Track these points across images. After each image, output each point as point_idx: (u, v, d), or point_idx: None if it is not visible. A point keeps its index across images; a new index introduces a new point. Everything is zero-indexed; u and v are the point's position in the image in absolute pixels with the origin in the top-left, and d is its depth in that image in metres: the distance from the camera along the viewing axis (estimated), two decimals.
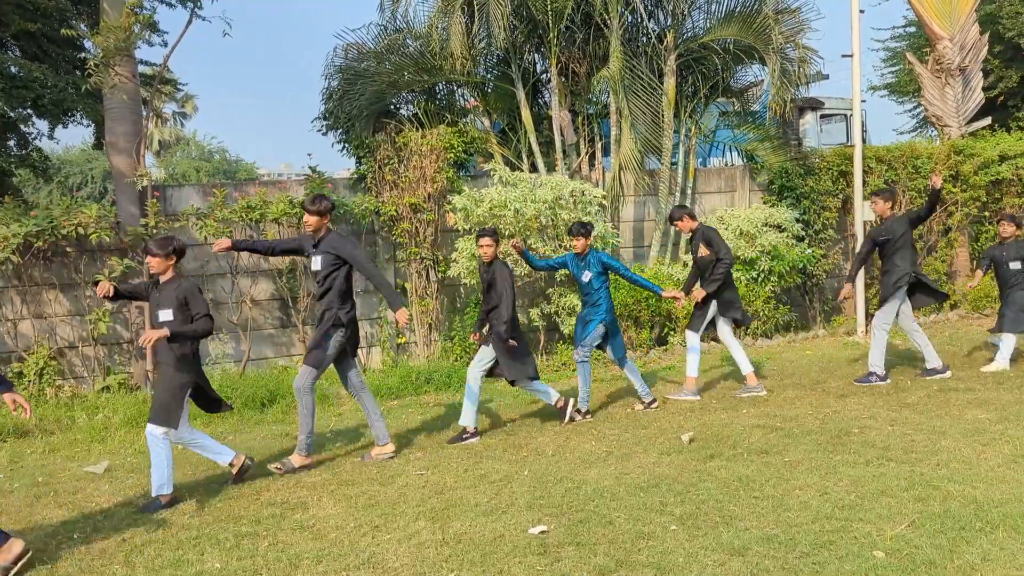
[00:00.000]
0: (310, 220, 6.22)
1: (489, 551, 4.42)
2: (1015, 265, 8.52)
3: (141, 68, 12.26)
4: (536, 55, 11.31)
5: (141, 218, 8.70)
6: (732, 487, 5.27)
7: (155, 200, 8.71)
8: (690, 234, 8.12)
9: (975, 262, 12.57)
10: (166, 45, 12.21)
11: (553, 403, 7.22)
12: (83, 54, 11.87)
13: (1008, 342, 8.58)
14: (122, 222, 8.79)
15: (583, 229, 7.39)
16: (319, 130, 11.48)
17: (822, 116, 16.04)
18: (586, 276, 7.37)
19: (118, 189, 8.94)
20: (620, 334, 7.69)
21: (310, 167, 9.92)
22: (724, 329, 8.02)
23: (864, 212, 11.04)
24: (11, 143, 12.10)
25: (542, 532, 4.65)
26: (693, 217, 8.03)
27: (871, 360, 8.15)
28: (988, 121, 13.27)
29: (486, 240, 6.92)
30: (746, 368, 7.99)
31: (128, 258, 8.69)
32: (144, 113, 9.26)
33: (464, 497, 5.35)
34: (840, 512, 4.74)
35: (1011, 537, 4.25)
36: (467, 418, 6.87)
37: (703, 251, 7.85)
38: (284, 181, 10.14)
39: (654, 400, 7.63)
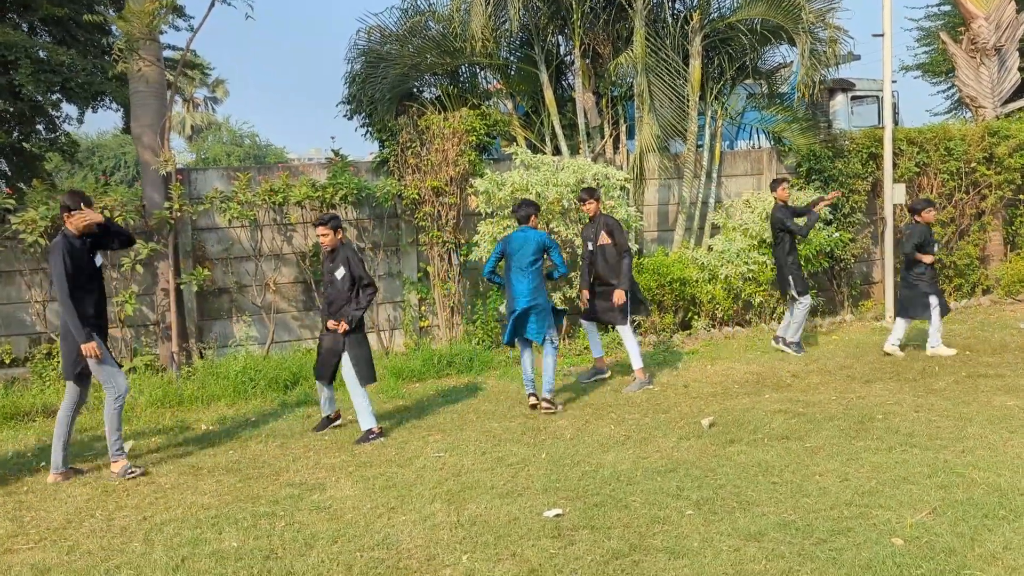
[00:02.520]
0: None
1: (503, 533, 4.43)
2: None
3: (169, 53, 12.37)
4: (560, 36, 11.19)
5: (165, 201, 8.76)
6: (751, 472, 5.23)
7: (178, 183, 8.78)
8: (590, 218, 8.10)
9: (1009, 246, 12.31)
10: (192, 30, 12.26)
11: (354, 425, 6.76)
12: (111, 39, 11.98)
13: (900, 327, 8.78)
14: (147, 205, 8.88)
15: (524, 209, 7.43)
16: (343, 114, 11.47)
17: (853, 98, 15.76)
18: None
19: (143, 173, 9.02)
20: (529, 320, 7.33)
21: (333, 150, 9.94)
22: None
23: (894, 195, 10.84)
24: (40, 127, 12.25)
25: (557, 515, 4.65)
26: (600, 201, 8.09)
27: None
28: None
29: (321, 228, 6.60)
30: (637, 363, 7.88)
31: (154, 241, 8.77)
32: (169, 95, 9.30)
33: (481, 480, 5.36)
34: (860, 498, 4.68)
35: None
36: (368, 420, 6.56)
37: (604, 239, 7.85)
38: (307, 164, 10.16)
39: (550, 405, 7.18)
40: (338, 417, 7.02)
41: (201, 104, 46.44)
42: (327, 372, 6.75)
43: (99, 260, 6.00)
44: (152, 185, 8.88)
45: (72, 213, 5.74)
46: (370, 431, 6.51)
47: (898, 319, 8.83)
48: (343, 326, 6.54)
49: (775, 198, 9.19)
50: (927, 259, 8.56)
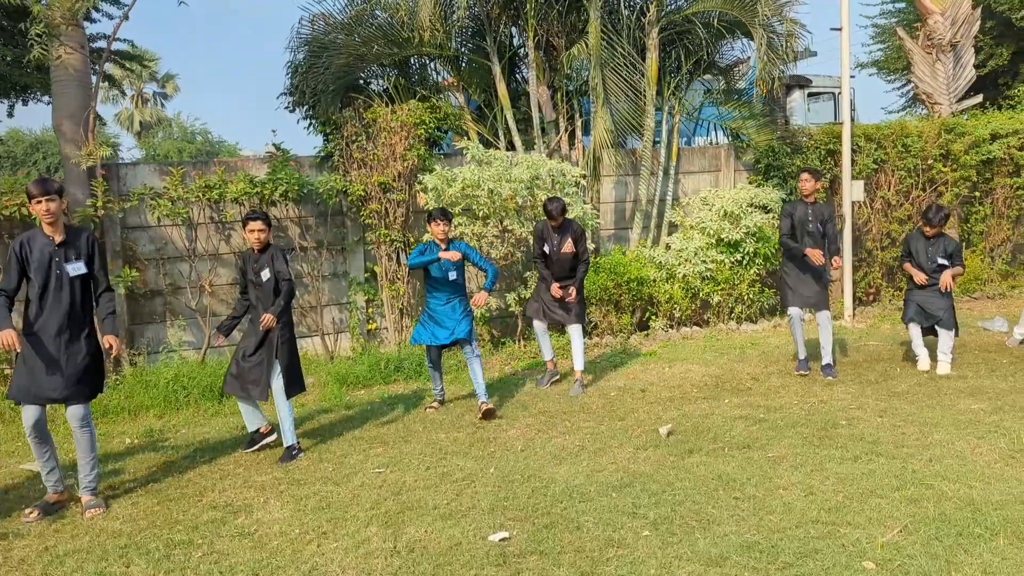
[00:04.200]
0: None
1: (443, 562, 4.03)
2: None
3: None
4: (513, 28, 10.80)
5: (88, 199, 8.18)
6: (711, 486, 4.90)
7: (102, 179, 8.20)
8: (558, 225, 7.60)
9: (964, 243, 12.23)
10: (128, 19, 11.62)
11: (261, 431, 6.31)
12: (29, 23, 11.26)
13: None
14: (70, 203, 8.28)
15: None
16: (285, 106, 10.95)
17: (810, 94, 15.63)
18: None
19: (66, 168, 8.41)
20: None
21: (274, 144, 9.43)
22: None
23: (853, 192, 10.67)
24: None
25: (503, 539, 4.27)
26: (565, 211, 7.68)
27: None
28: (979, 99, 12.89)
29: (258, 224, 6.05)
30: (581, 364, 7.68)
31: None
32: (95, 83, 8.69)
33: (422, 499, 4.95)
34: (826, 515, 4.38)
35: (1014, 545, 3.88)
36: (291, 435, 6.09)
37: (569, 248, 7.47)
38: (245, 159, 9.62)
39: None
40: (271, 431, 6.35)
41: (150, 100, 45.08)
42: (259, 389, 6.04)
43: (76, 269, 5.07)
44: (75, 181, 8.26)
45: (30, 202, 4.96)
46: (293, 447, 6.02)
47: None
48: (269, 319, 5.95)
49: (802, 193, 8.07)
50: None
